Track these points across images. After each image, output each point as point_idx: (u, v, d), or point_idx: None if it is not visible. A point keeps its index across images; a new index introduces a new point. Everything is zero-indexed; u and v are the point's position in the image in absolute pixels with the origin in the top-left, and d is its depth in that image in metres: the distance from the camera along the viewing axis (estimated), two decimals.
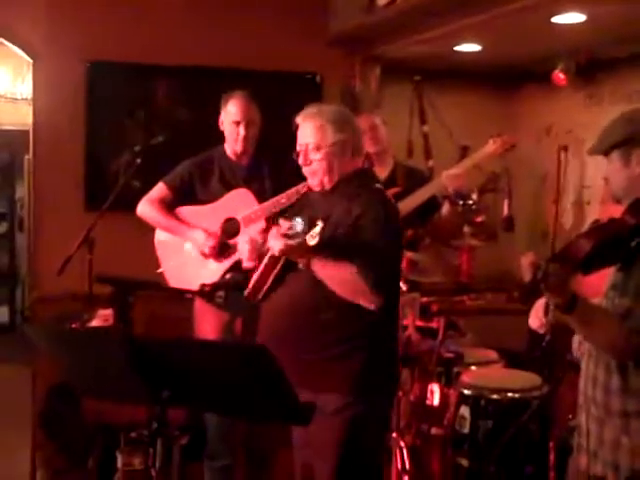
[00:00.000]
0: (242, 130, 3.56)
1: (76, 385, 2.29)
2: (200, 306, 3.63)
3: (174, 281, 3.62)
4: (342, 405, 2.63)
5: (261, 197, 3.49)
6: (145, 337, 1.99)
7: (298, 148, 2.77)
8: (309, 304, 2.66)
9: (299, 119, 2.77)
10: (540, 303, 2.36)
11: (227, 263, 3.48)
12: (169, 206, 3.68)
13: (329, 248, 2.61)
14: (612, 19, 4.05)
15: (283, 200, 3.32)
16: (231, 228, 3.53)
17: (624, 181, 2.25)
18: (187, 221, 3.64)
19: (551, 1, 3.68)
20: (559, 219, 5.11)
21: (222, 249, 3.51)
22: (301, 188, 3.12)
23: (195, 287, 3.50)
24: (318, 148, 2.71)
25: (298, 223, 2.67)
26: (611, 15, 3.98)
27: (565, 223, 5.29)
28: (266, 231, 2.99)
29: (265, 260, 2.72)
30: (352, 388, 2.64)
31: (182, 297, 3.43)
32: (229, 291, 3.09)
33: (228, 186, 3.60)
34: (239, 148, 3.60)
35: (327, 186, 2.74)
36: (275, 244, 2.63)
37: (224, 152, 3.67)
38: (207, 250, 3.50)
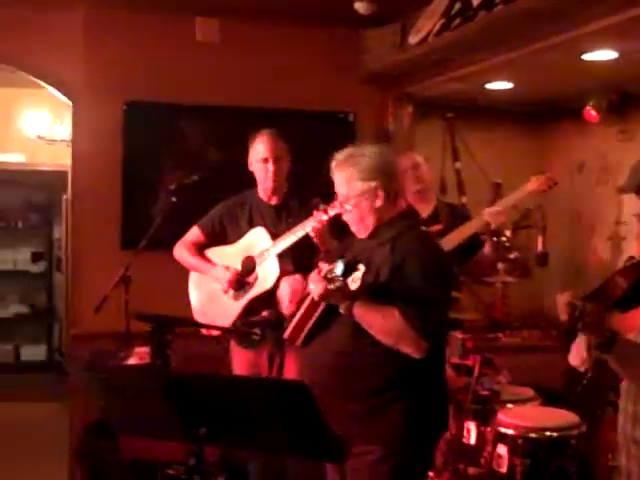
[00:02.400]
0: (270, 166, 3.60)
1: (114, 422, 2.31)
2: (235, 345, 3.66)
3: (201, 318, 3.70)
4: (384, 456, 2.56)
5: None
6: (182, 373, 2.00)
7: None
8: (350, 352, 2.59)
9: (333, 166, 2.73)
10: (580, 341, 2.34)
11: (245, 300, 3.53)
12: (202, 248, 3.79)
13: (371, 293, 2.55)
14: None
15: (298, 233, 3.32)
16: (248, 265, 3.57)
17: None
18: (213, 261, 3.72)
19: (581, 39, 3.69)
20: (595, 255, 5.08)
21: (240, 285, 3.56)
22: (317, 217, 3.13)
23: (218, 324, 3.59)
24: (347, 199, 2.69)
25: (339, 267, 2.59)
26: None
27: (601, 259, 5.25)
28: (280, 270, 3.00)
29: (305, 303, 2.68)
30: (395, 439, 2.57)
31: (217, 335, 3.45)
32: (265, 329, 3.10)
33: (255, 226, 3.65)
34: (269, 184, 3.63)
35: (366, 232, 2.70)
36: (315, 288, 2.59)
37: (256, 193, 3.72)
38: (225, 285, 3.57)
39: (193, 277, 3.85)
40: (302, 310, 2.68)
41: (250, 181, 3.76)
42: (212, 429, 2.03)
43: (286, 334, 2.73)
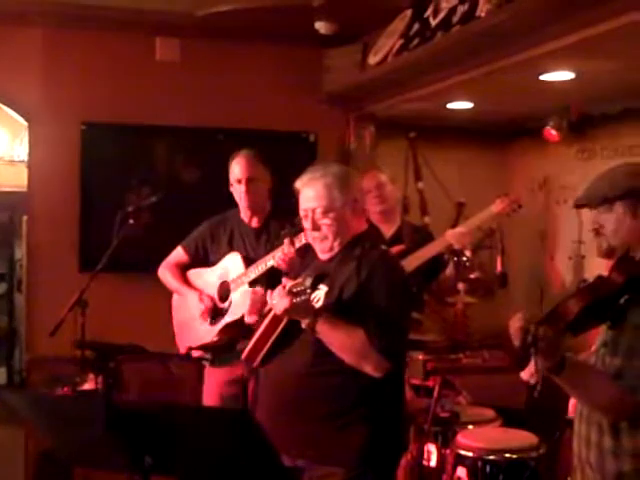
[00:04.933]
0: (244, 187, 3.58)
1: (58, 451, 2.25)
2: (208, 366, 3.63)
3: (178, 338, 3.70)
4: (345, 478, 2.52)
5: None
6: (124, 402, 1.95)
7: (302, 213, 2.68)
8: (312, 372, 2.55)
9: (301, 183, 2.68)
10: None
11: (218, 326, 3.51)
12: (186, 268, 3.77)
13: (335, 311, 2.52)
14: (601, 76, 4.08)
15: (268, 262, 3.30)
16: (224, 291, 3.55)
17: (629, 233, 2.22)
18: (192, 282, 3.70)
19: (538, 60, 3.71)
20: (556, 275, 5.10)
21: (215, 311, 3.54)
22: (285, 247, 3.11)
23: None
24: (327, 212, 2.62)
25: (307, 281, 2.54)
26: (599, 72, 4.01)
27: (562, 279, 5.26)
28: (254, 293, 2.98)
29: (266, 321, 2.63)
30: (357, 460, 2.53)
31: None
32: (216, 353, 3.06)
33: (235, 249, 3.63)
34: (245, 205, 3.62)
35: (336, 250, 2.65)
36: (279, 303, 2.51)
37: (238, 214, 3.70)
38: (199, 313, 3.56)
39: (175, 298, 3.84)
40: (262, 329, 2.64)
41: (214, 201, 3.72)
42: (157, 459, 1.98)
43: (244, 354, 2.68)
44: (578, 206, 2.38)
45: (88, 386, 3.70)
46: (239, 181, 3.60)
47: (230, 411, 2.12)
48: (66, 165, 4.93)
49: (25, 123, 4.99)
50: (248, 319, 2.82)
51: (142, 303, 3.86)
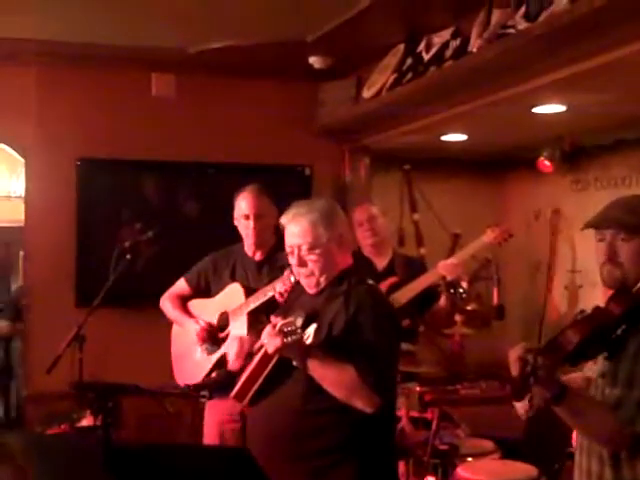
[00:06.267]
0: (251, 223, 3.57)
1: None
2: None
3: (176, 370, 3.68)
4: None
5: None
6: (122, 443, 1.94)
7: (288, 250, 2.68)
8: (303, 410, 2.52)
9: (286, 220, 2.67)
10: None
11: (216, 355, 3.50)
12: (187, 300, 3.76)
13: (325, 348, 2.50)
14: (591, 109, 4.12)
15: (268, 293, 3.29)
16: (223, 321, 3.55)
17: None
18: (193, 313, 3.70)
19: (529, 93, 3.75)
20: (552, 304, 5.10)
21: (214, 341, 3.54)
22: (285, 279, 3.11)
23: (188, 378, 3.54)
24: (312, 248, 2.61)
25: (299, 319, 2.53)
26: (590, 105, 4.05)
27: (558, 308, 5.27)
28: (250, 326, 2.97)
29: (255, 360, 2.62)
30: None
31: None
32: (213, 389, 3.05)
33: (237, 280, 3.63)
34: (251, 241, 3.61)
35: (322, 285, 2.64)
36: (270, 342, 2.49)
37: (242, 248, 3.70)
38: (197, 336, 3.55)
39: (174, 329, 3.82)
40: (252, 367, 2.63)
41: (213, 233, 3.74)
42: None
43: (233, 392, 2.66)
44: (587, 227, 2.32)
45: (86, 422, 3.69)
46: (247, 217, 3.59)
47: (229, 450, 2.11)
48: (62, 200, 4.95)
49: (22, 159, 5.01)
50: (232, 365, 2.80)
51: (140, 337, 3.86)
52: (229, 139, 5.16)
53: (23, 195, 5.74)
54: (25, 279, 5.12)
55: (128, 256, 3.98)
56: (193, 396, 2.47)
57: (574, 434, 2.44)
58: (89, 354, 3.96)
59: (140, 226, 4.01)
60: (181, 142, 5.09)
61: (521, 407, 2.34)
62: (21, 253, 7.09)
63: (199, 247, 3.86)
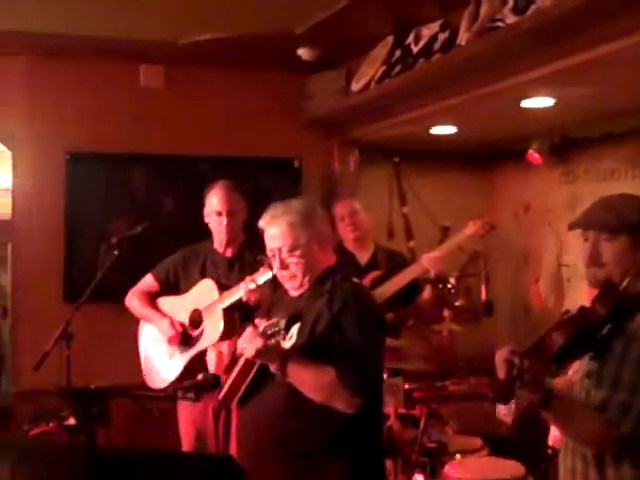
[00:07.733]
0: (224, 220, 3.55)
1: None
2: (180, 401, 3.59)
3: (146, 370, 3.67)
4: None
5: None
6: (107, 450, 1.92)
7: (269, 253, 2.65)
8: (287, 412, 2.52)
9: (264, 222, 2.64)
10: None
11: (188, 356, 3.48)
12: (155, 297, 3.72)
13: (307, 348, 2.49)
14: (580, 102, 4.11)
15: (241, 289, 3.26)
16: (195, 319, 3.52)
17: (632, 266, 2.17)
18: (163, 311, 3.64)
19: (518, 87, 3.74)
20: (539, 298, 5.10)
21: (185, 340, 3.50)
22: (259, 275, 3.09)
23: (160, 378, 3.52)
24: (292, 250, 2.58)
25: (281, 322, 2.50)
26: (579, 98, 4.04)
27: (544, 303, 5.26)
28: (226, 323, 2.94)
29: (240, 363, 2.61)
30: None
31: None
32: (199, 391, 3.03)
33: (207, 277, 3.59)
34: (223, 238, 3.58)
35: (306, 286, 2.61)
36: (251, 345, 2.47)
37: (212, 244, 3.66)
38: (169, 339, 3.53)
39: (142, 327, 3.79)
40: (237, 370, 2.62)
41: (198, 230, 3.71)
42: None
43: (221, 395, 2.66)
44: (572, 228, 2.33)
45: (74, 421, 3.67)
46: (219, 213, 3.56)
47: (215, 457, 2.10)
48: (50, 194, 4.91)
49: (9, 152, 4.96)
50: (214, 371, 2.79)
51: (128, 333, 3.82)
52: (218, 131, 5.13)
53: (9, 188, 5.70)
54: (13, 274, 5.08)
55: (116, 252, 3.95)
56: (180, 398, 2.46)
57: (551, 433, 2.43)
58: (77, 350, 3.93)
59: (131, 220, 4.00)
60: (170, 134, 5.05)
61: (505, 410, 2.34)
62: (9, 246, 7.06)
63: (187, 242, 3.82)
